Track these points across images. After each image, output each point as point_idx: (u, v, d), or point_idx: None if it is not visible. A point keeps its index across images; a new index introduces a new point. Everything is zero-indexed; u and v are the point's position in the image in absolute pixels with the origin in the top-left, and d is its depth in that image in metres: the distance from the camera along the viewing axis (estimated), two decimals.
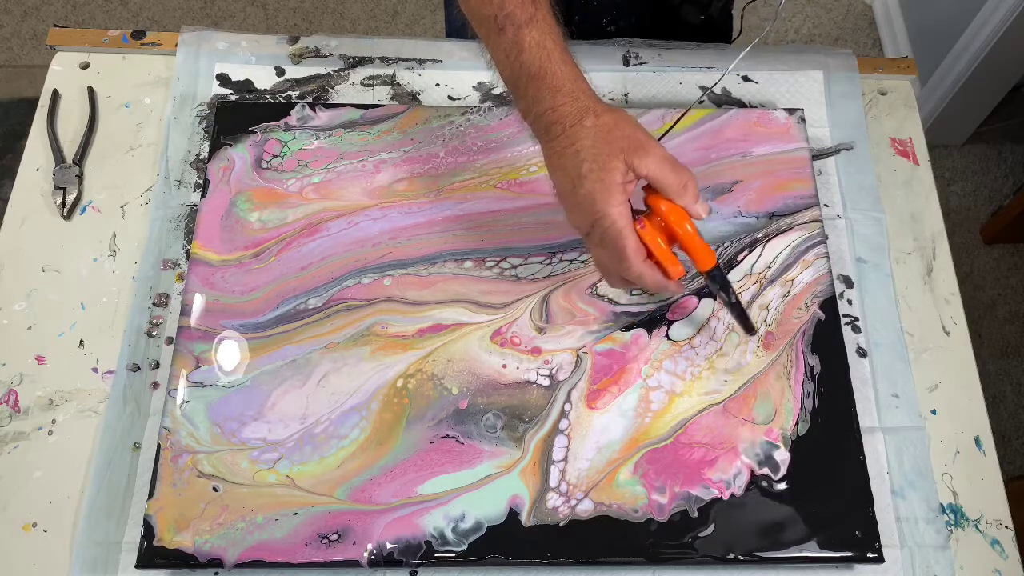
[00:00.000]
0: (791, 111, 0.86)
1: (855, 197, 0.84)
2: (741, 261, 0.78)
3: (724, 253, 0.79)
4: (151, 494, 0.67)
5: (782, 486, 0.69)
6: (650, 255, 0.64)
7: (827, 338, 0.75)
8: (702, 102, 0.89)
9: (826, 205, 0.84)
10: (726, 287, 0.69)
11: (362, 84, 0.89)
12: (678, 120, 0.79)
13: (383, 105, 0.85)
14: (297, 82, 0.88)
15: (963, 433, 0.76)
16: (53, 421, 0.73)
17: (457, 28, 1.07)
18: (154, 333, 0.76)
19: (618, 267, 0.63)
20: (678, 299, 0.76)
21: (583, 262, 0.78)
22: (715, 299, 0.76)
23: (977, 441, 0.76)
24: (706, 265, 0.66)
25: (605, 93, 0.89)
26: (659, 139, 0.64)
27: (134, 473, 0.70)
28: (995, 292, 1.75)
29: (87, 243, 0.80)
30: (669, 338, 0.75)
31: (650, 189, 0.64)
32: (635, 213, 0.63)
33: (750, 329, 0.71)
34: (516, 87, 0.64)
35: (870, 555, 0.67)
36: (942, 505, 0.73)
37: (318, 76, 0.88)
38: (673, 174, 0.61)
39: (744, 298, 0.76)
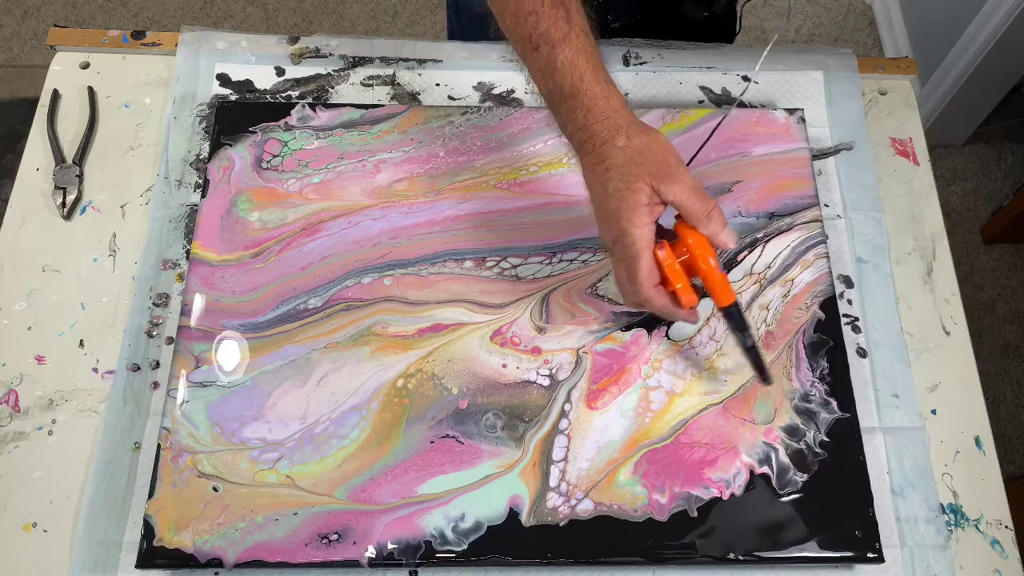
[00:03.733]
0: (791, 111, 0.86)
1: (855, 197, 0.84)
2: (741, 261, 0.78)
3: (724, 253, 0.79)
4: (151, 494, 0.67)
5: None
6: (665, 281, 0.63)
7: (827, 338, 0.75)
8: (701, 102, 0.89)
9: (826, 205, 0.84)
10: (743, 328, 0.67)
11: (362, 84, 0.89)
12: (710, 136, 0.78)
13: (383, 105, 0.85)
14: (297, 82, 0.88)
15: (963, 433, 0.76)
16: (53, 421, 0.73)
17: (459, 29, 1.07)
18: (154, 333, 0.76)
19: (629, 287, 0.63)
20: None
21: (583, 262, 0.78)
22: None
23: (977, 441, 0.76)
24: (723, 302, 0.65)
25: None
26: (689, 162, 0.63)
27: (134, 473, 0.70)
28: (995, 292, 1.75)
29: (87, 243, 0.80)
30: (669, 338, 0.75)
31: (680, 217, 0.64)
32: (663, 235, 0.63)
33: (766, 379, 0.68)
34: (552, 104, 0.65)
35: (870, 555, 0.67)
36: (942, 505, 0.73)
37: (318, 76, 0.88)
38: (699, 203, 0.62)
39: (744, 298, 0.76)
